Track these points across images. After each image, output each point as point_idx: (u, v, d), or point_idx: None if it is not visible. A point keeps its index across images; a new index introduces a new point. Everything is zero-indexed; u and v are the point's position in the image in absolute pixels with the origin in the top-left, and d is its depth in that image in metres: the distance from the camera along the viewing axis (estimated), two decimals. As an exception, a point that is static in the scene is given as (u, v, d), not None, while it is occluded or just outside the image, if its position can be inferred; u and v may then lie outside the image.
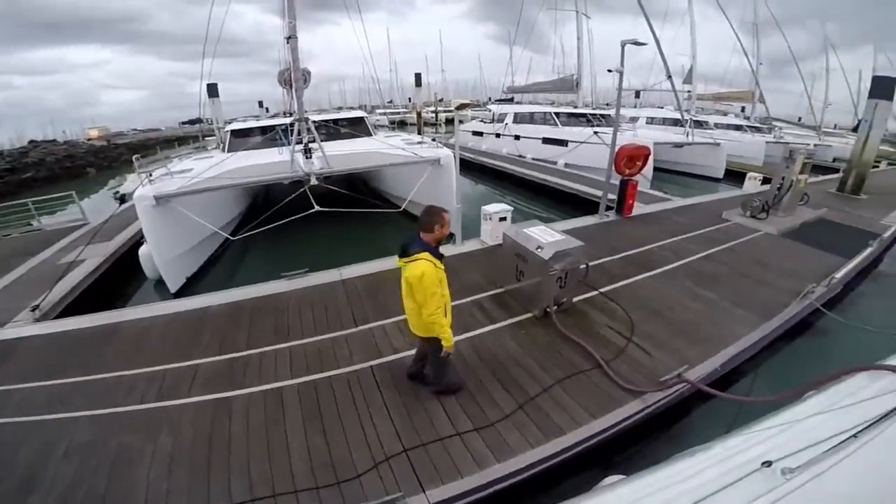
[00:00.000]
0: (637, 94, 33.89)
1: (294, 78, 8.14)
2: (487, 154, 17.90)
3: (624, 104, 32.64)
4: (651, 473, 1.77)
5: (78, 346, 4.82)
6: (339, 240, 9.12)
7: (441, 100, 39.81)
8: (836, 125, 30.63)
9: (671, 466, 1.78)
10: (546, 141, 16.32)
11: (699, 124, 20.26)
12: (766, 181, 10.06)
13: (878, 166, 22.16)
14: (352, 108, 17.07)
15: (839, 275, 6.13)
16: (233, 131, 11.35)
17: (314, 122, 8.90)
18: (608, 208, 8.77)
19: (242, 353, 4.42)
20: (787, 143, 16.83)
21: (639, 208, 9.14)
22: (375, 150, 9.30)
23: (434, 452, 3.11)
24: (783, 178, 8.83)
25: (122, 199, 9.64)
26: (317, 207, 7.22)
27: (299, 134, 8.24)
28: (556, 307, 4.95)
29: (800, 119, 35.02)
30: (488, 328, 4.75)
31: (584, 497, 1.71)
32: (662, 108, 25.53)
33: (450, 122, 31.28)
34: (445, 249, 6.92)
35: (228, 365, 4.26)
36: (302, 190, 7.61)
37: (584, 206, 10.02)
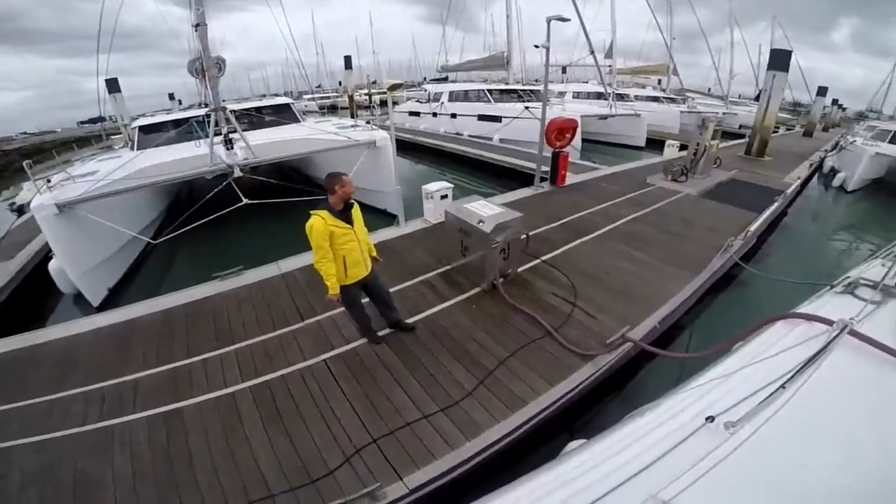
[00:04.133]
0: (564, 70, 34.98)
1: (206, 66, 7.50)
2: (425, 133, 17.75)
3: (552, 80, 33.72)
4: (608, 436, 1.80)
5: (-7, 375, 4.20)
6: (274, 232, 8.64)
7: (374, 82, 38.52)
8: (740, 95, 33.37)
9: (625, 427, 1.82)
10: (481, 118, 16.47)
11: (621, 97, 21.44)
12: (682, 148, 10.89)
13: (777, 131, 24.84)
14: (276, 96, 16.11)
15: (753, 227, 6.82)
16: (141, 127, 10.29)
17: (234, 111, 8.31)
18: (542, 179, 9.06)
19: (184, 362, 4.09)
20: (700, 112, 18.32)
21: (571, 178, 9.52)
22: (304, 136, 8.88)
23: (404, 438, 3.08)
24: (698, 144, 9.60)
25: (20, 210, 8.46)
26: (245, 200, 6.75)
27: (217, 125, 7.62)
28: (502, 279, 5.04)
29: (709, 90, 38.06)
30: (440, 307, 4.74)
31: (549, 465, 1.71)
32: (587, 82, 26.62)
33: (384, 103, 30.60)
34: (388, 232, 6.91)
35: (171, 375, 3.93)
36: (226, 183, 7.07)
37: (520, 178, 10.29)
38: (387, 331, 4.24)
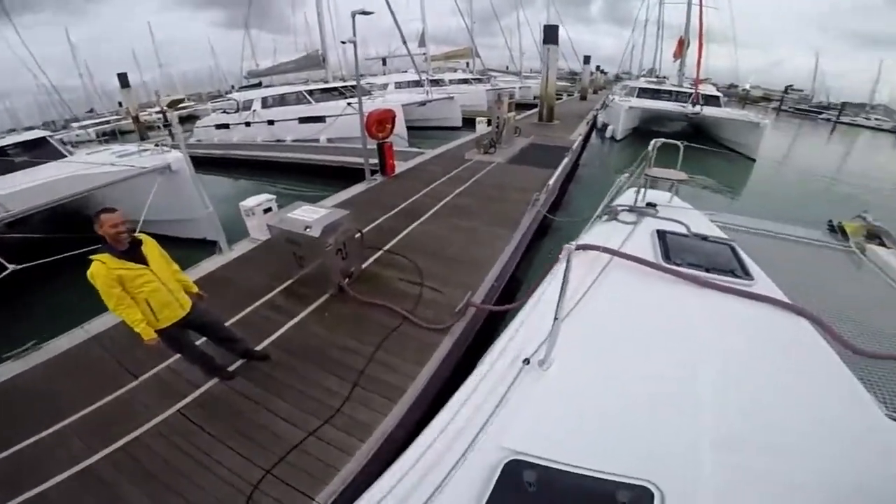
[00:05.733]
0: (384, 62, 35.63)
1: None
2: (241, 146, 16.06)
3: (374, 72, 34.02)
4: (455, 396, 1.83)
5: None
6: (66, 292, 6.85)
7: (168, 96, 33.14)
8: (531, 69, 38.37)
9: (468, 383, 1.87)
10: (303, 120, 15.64)
11: (437, 83, 22.86)
12: (490, 123, 12.22)
13: (561, 98, 29.74)
14: (31, 129, 12.51)
15: (551, 182, 8.02)
16: None
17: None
18: (374, 172, 9.12)
19: (8, 452, 3.20)
20: (500, 88, 20.70)
21: (400, 166, 9.82)
22: (72, 174, 7.20)
23: (298, 461, 2.87)
24: (498, 118, 10.84)
25: None
26: (10, 267, 5.15)
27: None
28: (347, 279, 4.94)
29: (507, 67, 43.23)
30: (290, 324, 4.43)
31: (414, 442, 1.67)
32: (406, 72, 27.62)
33: (184, 120, 26.53)
34: (213, 262, 6.08)
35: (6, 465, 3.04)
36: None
37: (352, 175, 10.18)
38: (238, 363, 3.84)
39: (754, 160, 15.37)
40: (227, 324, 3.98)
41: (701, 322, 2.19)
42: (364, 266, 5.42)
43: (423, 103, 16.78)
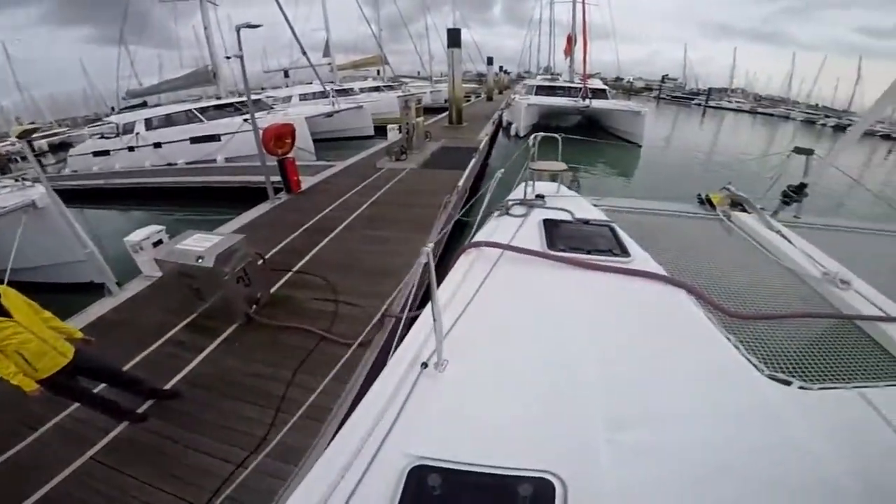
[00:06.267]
0: (285, 74, 34.17)
1: None
2: (125, 173, 14.34)
3: (277, 84, 32.37)
4: (361, 404, 1.77)
5: None
6: None
7: (32, 123, 28.66)
8: (442, 73, 39.25)
9: (374, 388, 1.82)
10: (195, 140, 14.38)
11: (346, 92, 22.44)
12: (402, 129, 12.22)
13: (469, 99, 30.75)
14: None
15: (460, 183, 8.19)
16: None
17: None
18: (277, 190, 8.65)
19: None
20: (411, 94, 20.87)
21: (307, 181, 9.44)
22: None
23: (235, 494, 2.66)
24: (408, 124, 10.88)
25: None
26: None
27: None
28: (254, 306, 4.61)
29: (418, 73, 43.76)
30: (199, 358, 4.10)
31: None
32: (311, 83, 26.73)
33: (56, 148, 23.16)
34: (103, 305, 5.36)
35: None
36: None
37: (255, 195, 9.59)
38: (147, 403, 3.55)
39: (640, 146, 17.09)
40: (129, 365, 3.80)
41: (585, 303, 2.26)
42: (273, 290, 5.11)
43: (329, 114, 16.32)
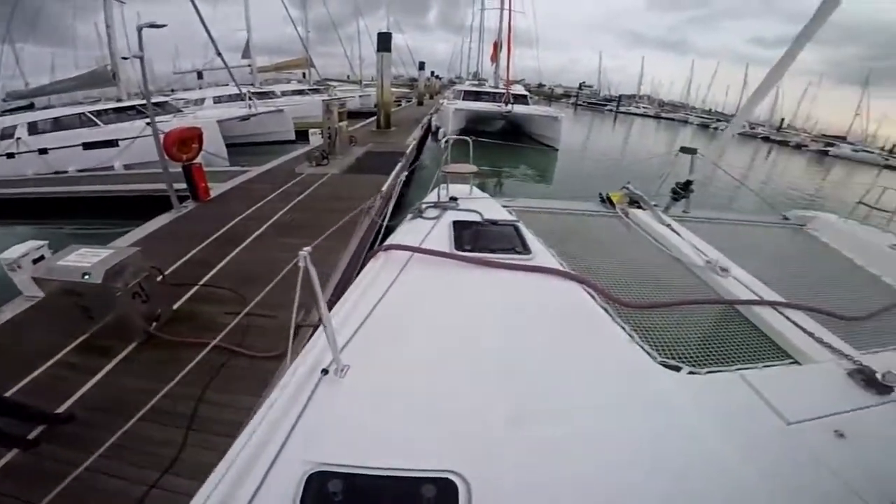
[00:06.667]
0: (199, 75, 31.85)
1: None
2: (2, 183, 12.51)
3: (190, 86, 30.05)
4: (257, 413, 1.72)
5: None
6: None
7: None
8: (372, 77, 38.91)
9: (280, 395, 1.77)
10: (88, 146, 12.91)
11: (266, 95, 21.42)
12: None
13: (400, 104, 30.84)
14: None
15: (384, 188, 8.17)
16: None
17: None
18: (183, 199, 8.09)
19: None
20: (338, 98, 20.44)
21: (218, 188, 8.90)
22: None
23: None
24: (330, 129, 10.69)
25: None
26: None
27: None
28: (154, 323, 4.29)
29: (348, 76, 42.92)
30: (94, 380, 3.77)
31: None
32: (227, 84, 25.20)
33: None
34: None
35: None
36: None
37: (158, 205, 8.85)
38: (38, 429, 3.25)
39: (557, 150, 18.26)
40: (12, 391, 3.53)
41: (488, 301, 2.31)
42: (176, 305, 4.78)
43: (245, 118, 15.50)
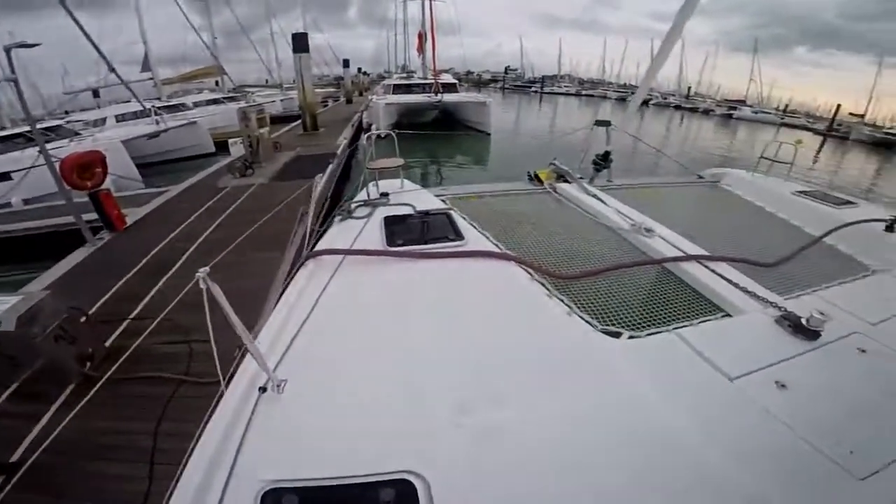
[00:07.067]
0: (95, 94, 28.82)
1: None
2: None
3: (87, 106, 27.10)
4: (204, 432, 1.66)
5: None
6: None
7: None
8: (293, 80, 37.37)
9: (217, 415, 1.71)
10: (-28, 183, 11.33)
11: (176, 108, 19.85)
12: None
13: (327, 104, 29.82)
14: None
15: (317, 191, 7.83)
16: None
17: None
18: (97, 230, 7.36)
19: None
20: (255, 104, 19.35)
21: (135, 214, 8.17)
22: None
23: None
24: (250, 137, 10.13)
25: None
26: None
27: None
28: (89, 363, 4.01)
29: (266, 81, 40.88)
30: (39, 426, 3.52)
31: None
32: (130, 101, 23.02)
33: None
34: None
35: None
36: None
37: (70, 240, 7.95)
38: None
39: (489, 134, 18.64)
40: None
41: (426, 294, 2.26)
42: (109, 342, 4.44)
43: (155, 134, 14.31)
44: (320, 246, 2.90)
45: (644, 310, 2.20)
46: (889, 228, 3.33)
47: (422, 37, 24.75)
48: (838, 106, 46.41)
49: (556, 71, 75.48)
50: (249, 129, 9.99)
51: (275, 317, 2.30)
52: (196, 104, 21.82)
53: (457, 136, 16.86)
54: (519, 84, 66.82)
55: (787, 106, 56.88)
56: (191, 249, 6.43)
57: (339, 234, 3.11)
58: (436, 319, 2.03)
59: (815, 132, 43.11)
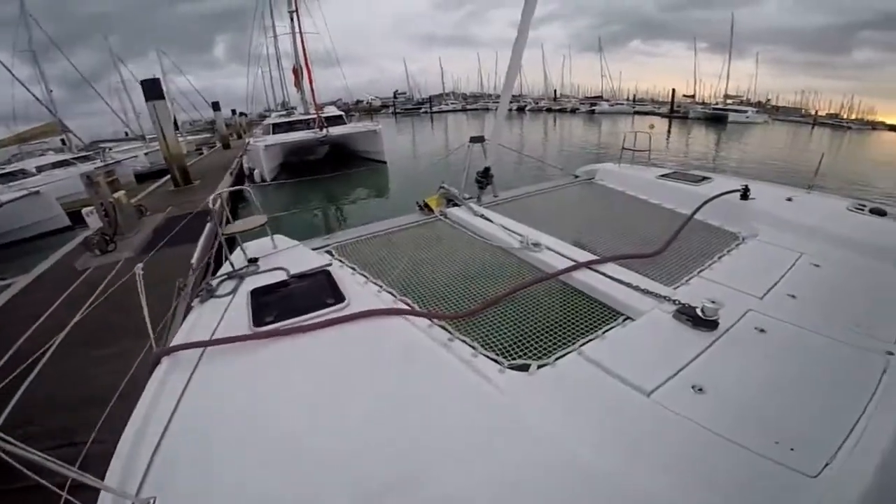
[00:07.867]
0: None
1: None
2: None
3: None
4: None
5: None
6: None
7: None
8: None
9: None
10: None
11: (12, 175, 16.74)
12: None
13: (202, 152, 27.43)
14: None
15: (193, 260, 7.00)
16: None
17: None
18: None
19: None
20: (108, 163, 16.97)
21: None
22: None
23: None
24: (102, 205, 8.75)
25: None
26: None
27: None
28: None
29: (127, 133, 36.48)
30: None
31: None
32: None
33: None
34: None
35: None
36: None
37: None
38: None
39: (385, 162, 18.58)
40: None
41: (308, 375, 1.99)
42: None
43: (-15, 210, 11.80)
44: (178, 336, 2.41)
45: (549, 331, 2.12)
46: (744, 196, 3.69)
47: (297, 72, 23.96)
48: (673, 90, 56.03)
49: (441, 90, 79.13)
50: (101, 195, 8.61)
51: (130, 427, 1.87)
52: (40, 168, 18.52)
53: (353, 173, 16.44)
54: (409, 107, 68.48)
55: (634, 96, 66.64)
56: (53, 346, 5.22)
57: (200, 319, 2.60)
58: (320, 405, 1.78)
59: (662, 115, 50.96)
